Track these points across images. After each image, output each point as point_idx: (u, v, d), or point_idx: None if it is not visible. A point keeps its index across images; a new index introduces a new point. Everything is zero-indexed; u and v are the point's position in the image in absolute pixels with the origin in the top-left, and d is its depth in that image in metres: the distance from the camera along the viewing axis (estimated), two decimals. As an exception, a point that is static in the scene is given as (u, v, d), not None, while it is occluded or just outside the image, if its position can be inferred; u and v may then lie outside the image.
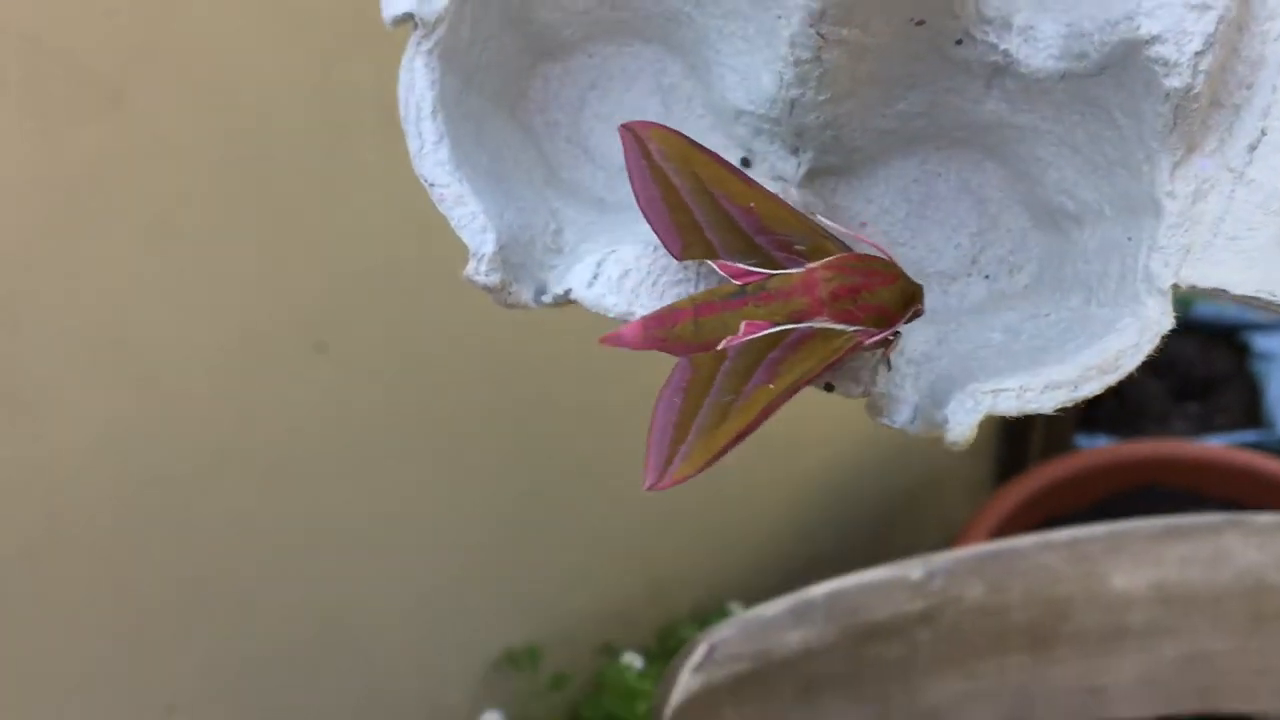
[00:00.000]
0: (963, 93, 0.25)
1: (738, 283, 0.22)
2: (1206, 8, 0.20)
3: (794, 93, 0.24)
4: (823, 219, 0.22)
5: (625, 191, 0.27)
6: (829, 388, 0.23)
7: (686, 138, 0.22)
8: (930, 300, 0.27)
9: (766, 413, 0.21)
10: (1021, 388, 0.22)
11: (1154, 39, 0.21)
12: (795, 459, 0.76)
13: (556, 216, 0.26)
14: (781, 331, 0.21)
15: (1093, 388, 0.22)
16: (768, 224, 0.22)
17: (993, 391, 0.22)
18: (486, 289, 0.23)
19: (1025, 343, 0.24)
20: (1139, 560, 0.45)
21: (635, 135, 0.23)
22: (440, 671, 0.74)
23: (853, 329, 0.21)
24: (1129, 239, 0.23)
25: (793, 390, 0.21)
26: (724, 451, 0.20)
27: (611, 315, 0.23)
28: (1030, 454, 0.81)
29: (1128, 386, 0.21)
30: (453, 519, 0.69)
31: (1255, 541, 0.45)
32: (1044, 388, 0.22)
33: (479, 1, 0.24)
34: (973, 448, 0.22)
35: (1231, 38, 0.21)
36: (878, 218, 0.27)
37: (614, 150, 0.27)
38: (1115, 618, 0.45)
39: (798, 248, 0.22)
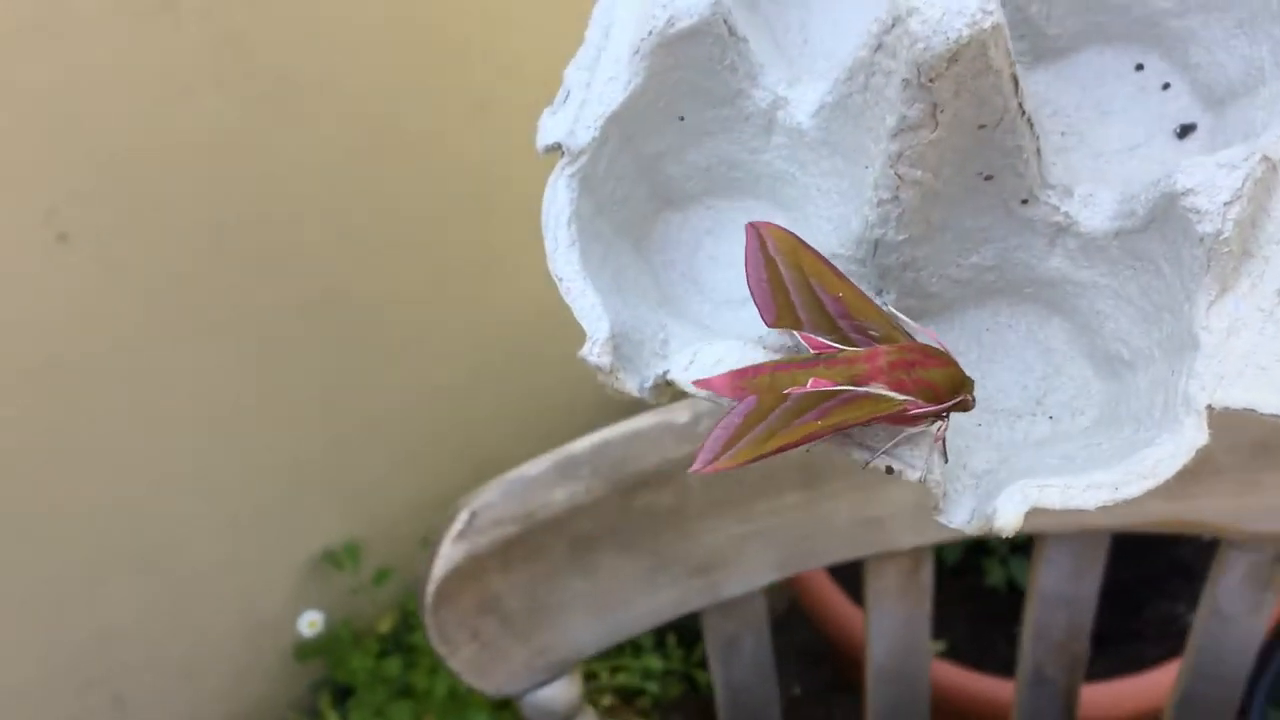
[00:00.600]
0: (1029, 249, 0.28)
1: (814, 352, 0.25)
2: (1234, 168, 0.24)
3: (877, 233, 0.28)
4: (899, 314, 0.26)
5: (726, 320, 0.31)
6: (890, 470, 0.25)
7: (798, 237, 0.26)
8: (996, 433, 0.29)
9: (807, 439, 0.24)
10: (1066, 485, 0.24)
11: (1188, 191, 0.24)
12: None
13: (664, 329, 0.29)
14: (840, 390, 0.24)
15: (1132, 490, 0.24)
16: (851, 311, 0.26)
17: (1040, 486, 0.24)
18: (597, 369, 0.27)
19: (1079, 464, 0.27)
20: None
21: (757, 230, 0.27)
22: (255, 576, 0.69)
23: (903, 397, 0.24)
24: (1173, 373, 0.26)
25: (835, 429, 0.24)
26: (764, 456, 0.24)
27: (701, 397, 0.26)
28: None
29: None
30: (252, 417, 0.64)
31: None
32: (1087, 486, 0.24)
33: (616, 145, 0.29)
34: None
35: (1261, 197, 0.24)
36: (951, 358, 0.30)
37: (722, 286, 0.31)
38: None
39: (872, 333, 0.25)
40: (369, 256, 0.66)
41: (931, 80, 0.23)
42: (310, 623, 0.75)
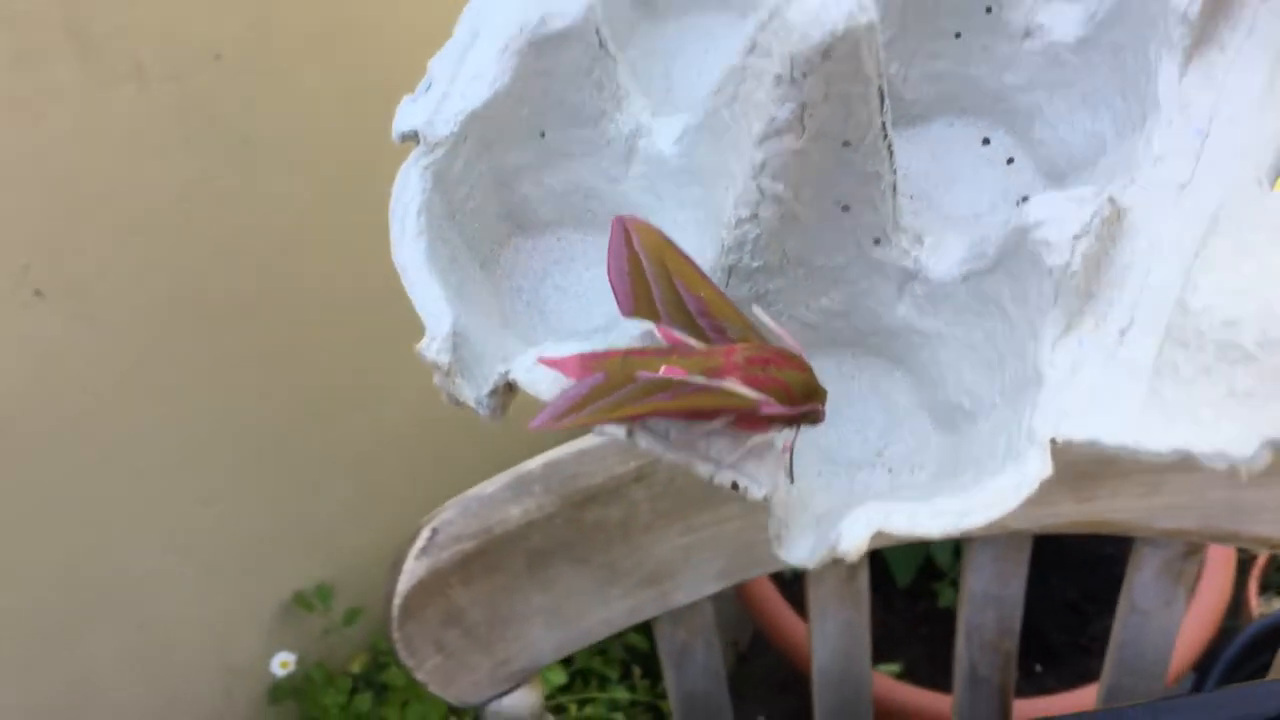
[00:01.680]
0: (877, 295, 0.29)
1: (668, 343, 0.24)
2: (1084, 202, 0.24)
3: (732, 258, 0.27)
4: (764, 318, 0.25)
5: (570, 352, 0.29)
6: (735, 486, 0.24)
7: (664, 235, 0.26)
8: (837, 483, 0.29)
9: (652, 413, 0.23)
10: (913, 511, 0.23)
11: (1039, 223, 0.24)
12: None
13: (505, 349, 0.28)
14: (693, 380, 0.23)
15: (976, 519, 0.23)
16: (710, 310, 0.25)
17: (885, 511, 0.23)
18: (435, 366, 0.25)
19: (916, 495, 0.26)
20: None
21: (624, 224, 0.26)
22: (228, 622, 0.72)
23: (756, 395, 0.23)
24: (1016, 414, 0.25)
25: (687, 408, 0.23)
26: (612, 421, 0.23)
27: (545, 398, 0.25)
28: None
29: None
30: (223, 464, 0.67)
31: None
32: (933, 514, 0.23)
33: (475, 147, 0.28)
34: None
35: (1106, 240, 0.25)
36: (795, 404, 0.29)
37: (567, 317, 0.30)
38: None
39: (729, 334, 0.25)
40: (333, 304, 0.68)
41: (804, 74, 0.23)
42: (283, 663, 0.75)
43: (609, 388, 0.23)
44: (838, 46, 0.22)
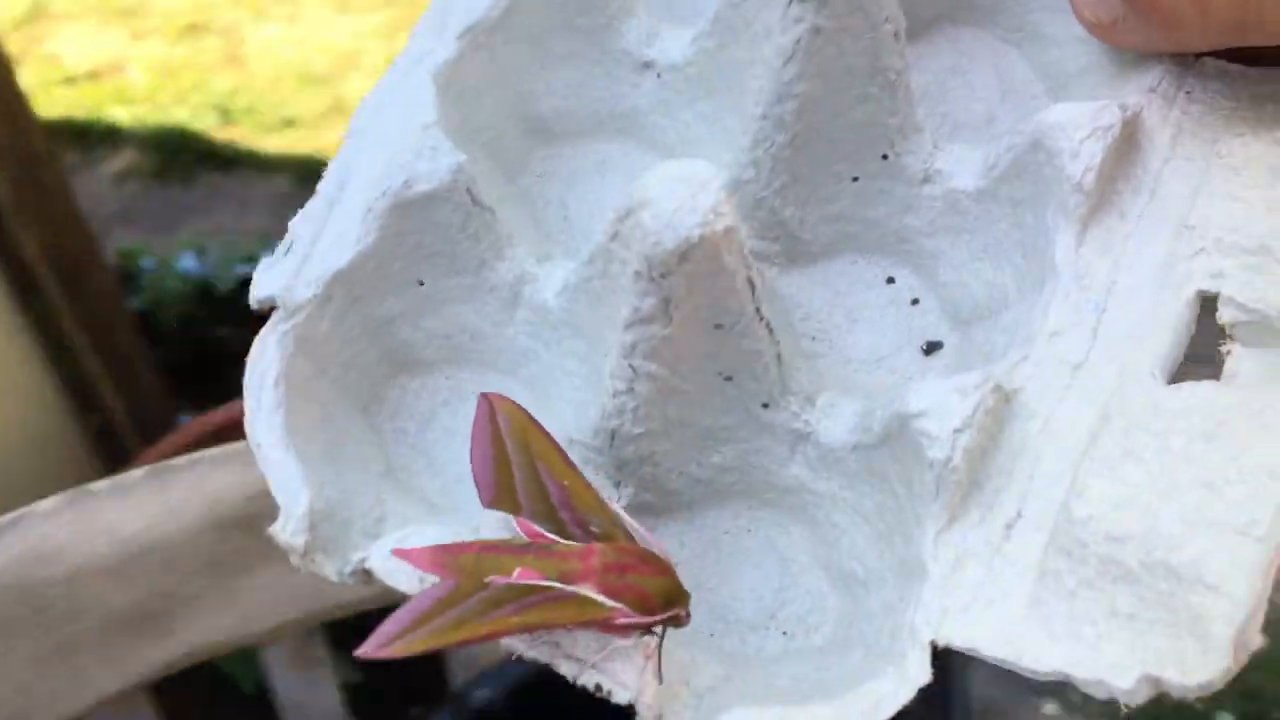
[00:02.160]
0: (769, 454, 0.27)
1: (528, 540, 0.23)
2: (967, 394, 0.23)
3: (613, 423, 0.26)
4: (624, 515, 0.24)
5: (456, 498, 0.28)
6: (598, 688, 0.23)
7: (530, 417, 0.24)
8: (729, 644, 0.28)
9: (494, 635, 0.22)
10: (784, 714, 0.22)
11: (920, 414, 0.23)
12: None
13: (382, 506, 0.27)
14: (546, 586, 0.22)
15: (849, 728, 0.22)
16: (573, 502, 0.24)
17: (760, 714, 0.22)
18: (289, 548, 0.24)
19: (806, 691, 0.25)
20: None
21: (489, 401, 0.25)
22: None
23: (611, 604, 0.22)
24: (901, 599, 0.24)
25: (529, 628, 0.22)
26: (445, 647, 0.22)
27: (402, 589, 0.23)
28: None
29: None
30: None
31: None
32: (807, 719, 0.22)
33: (342, 305, 0.27)
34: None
35: (991, 427, 0.24)
36: (688, 561, 0.28)
37: (454, 461, 0.29)
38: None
39: (593, 529, 0.23)
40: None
41: (662, 275, 0.22)
42: None
43: (455, 599, 0.22)
44: (694, 251, 0.21)
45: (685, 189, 0.21)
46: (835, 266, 0.30)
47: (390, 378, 0.30)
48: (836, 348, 0.30)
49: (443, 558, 0.23)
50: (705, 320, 0.23)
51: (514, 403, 0.26)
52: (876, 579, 0.26)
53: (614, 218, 0.23)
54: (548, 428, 0.29)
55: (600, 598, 0.22)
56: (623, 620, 0.22)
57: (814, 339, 0.30)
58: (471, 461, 0.25)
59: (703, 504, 0.29)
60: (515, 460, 0.25)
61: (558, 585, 0.22)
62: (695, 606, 0.26)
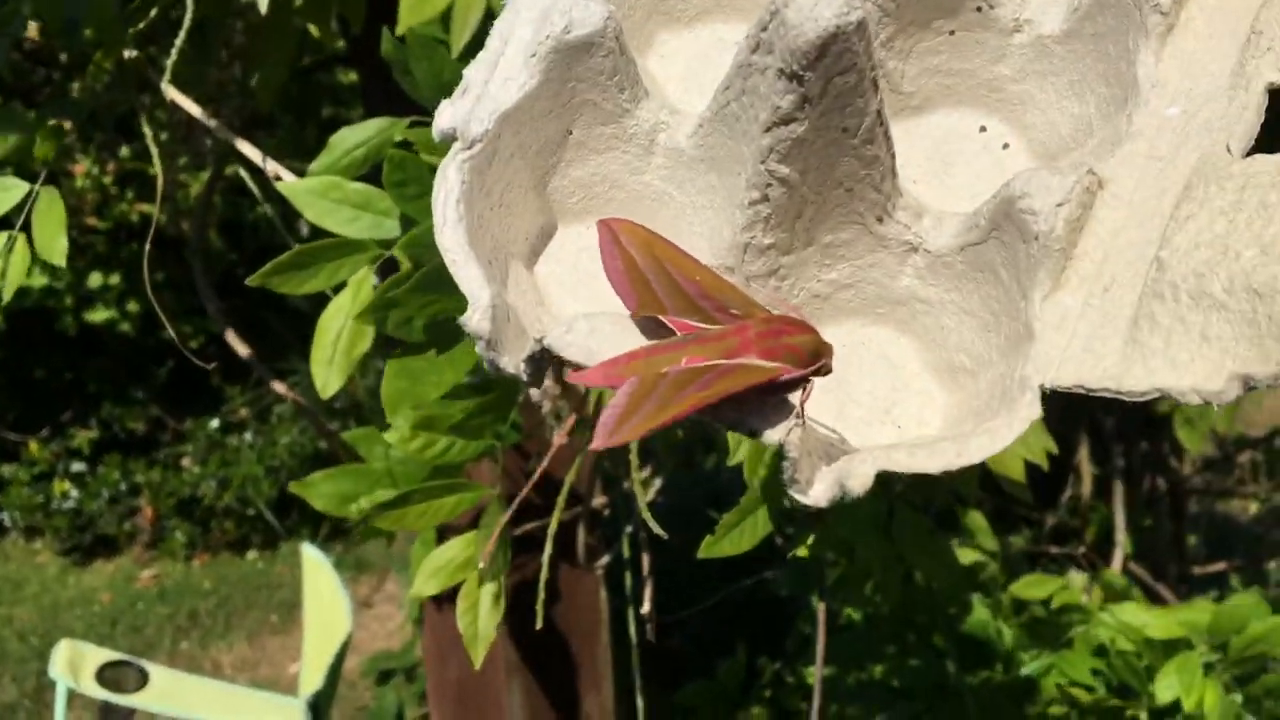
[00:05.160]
0: (882, 267, 0.31)
1: (681, 334, 0.27)
2: (1065, 174, 0.27)
3: (746, 236, 0.30)
4: (756, 292, 0.27)
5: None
6: (753, 434, 0.26)
7: (647, 229, 0.28)
8: (848, 438, 0.31)
9: (696, 407, 0.25)
10: (912, 450, 0.26)
11: (1024, 194, 0.27)
12: None
13: (543, 324, 0.31)
14: (716, 364, 0.25)
15: (973, 455, 0.25)
16: (710, 292, 0.27)
17: (888, 451, 0.26)
18: (477, 335, 0.27)
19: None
20: None
21: (609, 226, 0.28)
22: None
23: (774, 364, 0.25)
24: (1010, 368, 0.28)
25: (720, 395, 0.25)
26: (659, 427, 0.24)
27: (576, 360, 0.27)
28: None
29: None
30: None
31: None
32: (931, 453, 0.26)
33: (509, 146, 0.31)
34: None
35: (1087, 207, 0.27)
36: (809, 373, 0.32)
37: (597, 299, 0.32)
38: None
39: (733, 311, 0.27)
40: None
41: (803, 68, 0.25)
42: None
43: (644, 391, 0.25)
44: (832, 42, 0.25)
45: (823, -16, 0.25)
46: (932, 119, 0.34)
47: (539, 226, 0.33)
48: (936, 189, 0.33)
49: (614, 370, 0.27)
50: (835, 123, 0.27)
51: (632, 221, 0.29)
52: (984, 364, 0.29)
53: (755, 29, 0.26)
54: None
55: (762, 362, 0.26)
56: (786, 376, 0.26)
57: (915, 183, 0.33)
58: (609, 279, 0.28)
59: (819, 321, 0.32)
60: (646, 267, 0.28)
61: (724, 361, 0.26)
62: (816, 409, 0.30)
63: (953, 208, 0.33)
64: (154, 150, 0.60)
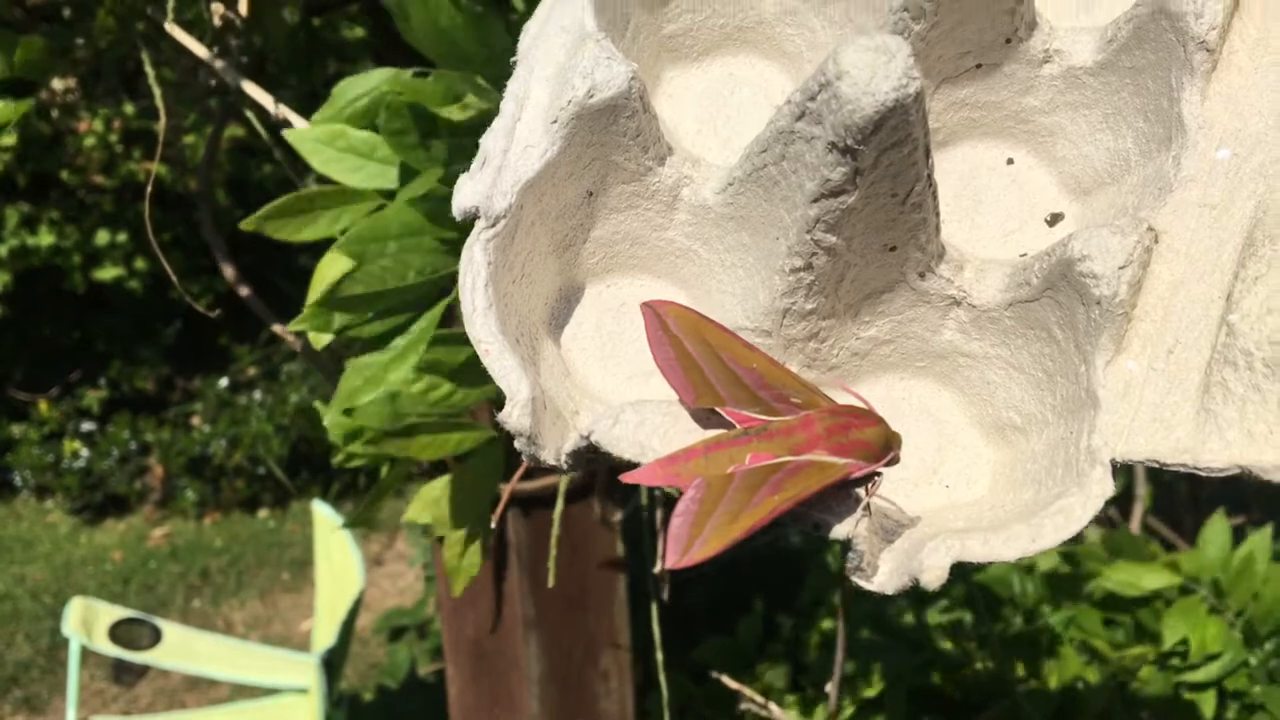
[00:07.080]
0: (923, 321, 0.30)
1: (742, 427, 0.25)
2: (1126, 234, 0.26)
3: (786, 302, 0.28)
4: (819, 382, 0.26)
5: (636, 392, 0.30)
6: (817, 528, 0.25)
7: (697, 312, 0.27)
8: (898, 500, 0.30)
9: (772, 515, 0.23)
10: (986, 537, 0.25)
11: (1085, 257, 0.26)
12: None
13: (574, 401, 0.29)
14: (784, 462, 0.24)
15: (1047, 541, 0.25)
16: (768, 381, 0.26)
17: (962, 539, 0.25)
18: (518, 433, 0.26)
19: (987, 524, 0.27)
20: None
21: (654, 311, 0.27)
22: None
23: (844, 461, 0.24)
24: (1071, 433, 0.27)
25: (795, 501, 0.24)
26: (735, 541, 0.23)
27: (626, 457, 0.26)
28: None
29: None
30: None
31: None
32: (1006, 540, 0.25)
33: (531, 216, 0.29)
34: None
35: (1147, 263, 0.26)
36: (851, 431, 0.31)
37: (625, 361, 0.31)
38: None
39: (794, 400, 0.26)
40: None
41: (857, 143, 0.24)
42: None
43: (713, 496, 0.24)
44: (889, 118, 0.23)
45: (880, 57, 0.23)
46: (958, 152, 0.33)
47: (560, 289, 0.32)
48: (966, 230, 0.32)
49: (674, 468, 0.25)
50: (885, 191, 0.26)
51: (678, 304, 0.28)
52: (1037, 423, 0.29)
53: (800, 98, 0.25)
54: (711, 320, 0.31)
55: (833, 458, 0.25)
56: (858, 473, 0.25)
57: (945, 222, 0.32)
58: (660, 369, 0.27)
59: (857, 378, 0.31)
60: (698, 355, 0.27)
61: (792, 459, 0.25)
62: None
63: (984, 250, 0.32)
64: (157, 91, 0.57)
